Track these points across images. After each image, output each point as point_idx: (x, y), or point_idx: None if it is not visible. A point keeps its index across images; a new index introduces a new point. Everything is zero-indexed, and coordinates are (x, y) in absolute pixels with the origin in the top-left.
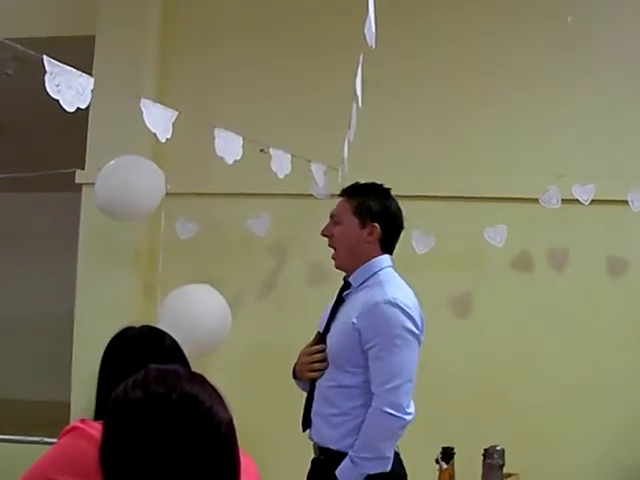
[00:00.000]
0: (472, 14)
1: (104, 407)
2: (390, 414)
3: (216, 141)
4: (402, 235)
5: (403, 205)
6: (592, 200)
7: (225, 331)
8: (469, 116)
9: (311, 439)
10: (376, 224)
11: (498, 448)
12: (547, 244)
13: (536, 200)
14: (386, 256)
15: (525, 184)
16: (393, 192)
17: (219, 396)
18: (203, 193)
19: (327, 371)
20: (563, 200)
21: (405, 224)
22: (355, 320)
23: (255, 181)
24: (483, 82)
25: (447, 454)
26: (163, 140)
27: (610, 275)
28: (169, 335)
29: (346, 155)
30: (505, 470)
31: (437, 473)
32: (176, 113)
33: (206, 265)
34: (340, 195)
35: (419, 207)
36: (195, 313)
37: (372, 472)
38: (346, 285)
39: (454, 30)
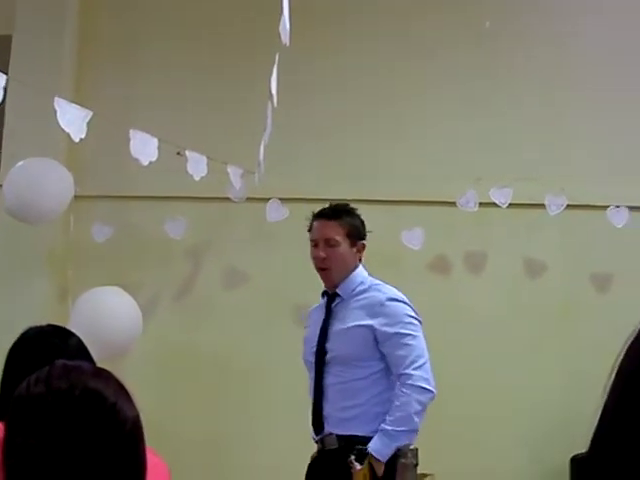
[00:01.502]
0: (386, 16)
1: (7, 406)
2: (424, 388)
3: (131, 142)
4: None
5: (317, 209)
6: (509, 203)
7: (136, 334)
8: (387, 119)
9: (320, 440)
10: (363, 242)
11: (412, 447)
12: (464, 247)
13: (453, 203)
14: (362, 266)
15: (442, 187)
16: (310, 195)
17: (125, 392)
18: (119, 196)
19: (335, 370)
20: (480, 203)
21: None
22: (364, 322)
23: (171, 184)
24: (399, 85)
25: (361, 454)
26: (77, 140)
27: (527, 277)
28: (75, 335)
29: (262, 158)
30: (420, 470)
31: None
32: (90, 113)
33: (122, 269)
34: (324, 218)
35: None
36: (105, 316)
37: (403, 444)
38: (331, 298)
39: (371, 33)
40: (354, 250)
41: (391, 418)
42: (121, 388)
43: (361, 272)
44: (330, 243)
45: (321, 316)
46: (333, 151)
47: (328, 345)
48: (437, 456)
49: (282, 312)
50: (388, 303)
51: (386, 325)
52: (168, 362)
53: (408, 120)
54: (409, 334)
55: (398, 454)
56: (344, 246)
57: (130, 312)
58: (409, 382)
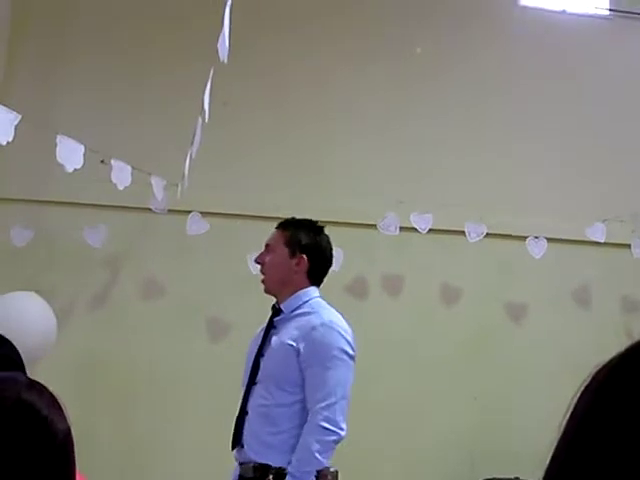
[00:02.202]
0: (317, 34)
1: None
2: (326, 428)
3: (57, 148)
4: (238, 256)
5: (243, 225)
6: (429, 229)
7: (50, 340)
8: (312, 139)
9: (242, 462)
10: (304, 256)
11: (332, 469)
12: (383, 270)
13: (374, 226)
14: (314, 288)
15: (364, 210)
16: (231, 210)
17: (58, 406)
18: (40, 200)
19: (263, 391)
20: (401, 228)
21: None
22: (294, 342)
23: (94, 191)
24: (326, 104)
25: (279, 475)
26: (4, 143)
27: (443, 303)
28: (7, 341)
29: (187, 171)
30: None
31: None
32: (19, 116)
33: (38, 273)
34: (276, 227)
35: (258, 227)
36: (18, 320)
37: None
38: (276, 312)
39: (305, 55)
40: (293, 262)
41: (295, 459)
42: (54, 401)
43: (309, 292)
44: (267, 249)
45: (263, 331)
46: (256, 167)
47: (262, 361)
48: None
49: (198, 326)
50: (320, 329)
51: (309, 352)
52: (82, 370)
53: (333, 140)
54: (328, 368)
55: (317, 476)
56: (279, 254)
57: (44, 317)
58: (313, 420)
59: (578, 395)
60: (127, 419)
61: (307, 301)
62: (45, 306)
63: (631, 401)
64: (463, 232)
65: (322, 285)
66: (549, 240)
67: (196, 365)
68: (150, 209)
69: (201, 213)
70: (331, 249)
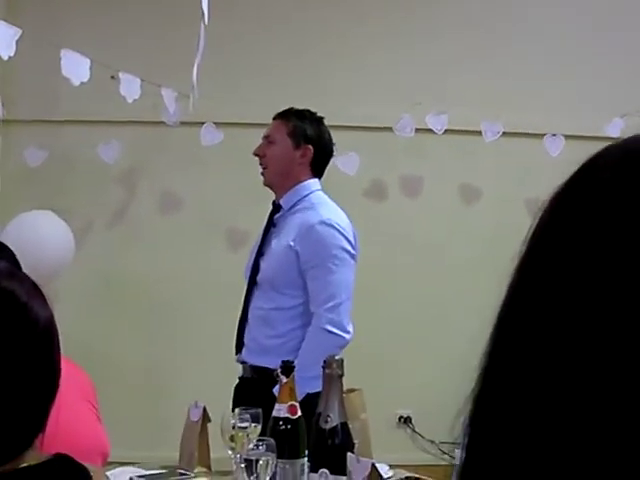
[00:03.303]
0: None
1: None
2: (331, 332)
3: (62, 62)
4: (254, 165)
5: (253, 134)
6: (445, 130)
7: (68, 258)
8: (323, 42)
9: (242, 362)
10: (310, 146)
11: (337, 358)
12: (400, 172)
13: (390, 129)
14: (315, 180)
15: (379, 112)
16: (245, 120)
17: (40, 293)
18: (51, 120)
19: (262, 294)
20: (417, 129)
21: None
22: (292, 242)
23: (105, 108)
24: (341, 6)
25: (287, 368)
26: (5, 58)
27: (463, 203)
28: (7, 248)
29: (195, 80)
30: (347, 386)
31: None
32: (20, 31)
33: (54, 193)
34: (274, 118)
35: None
36: (36, 239)
37: (312, 391)
38: (276, 208)
39: None
40: (297, 153)
41: (300, 362)
42: (36, 289)
43: (310, 185)
44: (268, 140)
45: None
46: (269, 74)
47: (262, 262)
48: (362, 368)
49: (216, 237)
50: (318, 228)
51: (308, 253)
52: (100, 288)
53: (348, 44)
54: (329, 268)
55: (322, 365)
56: (283, 145)
57: (62, 236)
58: (316, 323)
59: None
60: (147, 334)
61: (306, 195)
62: (61, 224)
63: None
64: (479, 132)
65: (339, 190)
66: (566, 137)
67: (217, 275)
68: (163, 122)
69: (214, 124)
70: (332, 140)
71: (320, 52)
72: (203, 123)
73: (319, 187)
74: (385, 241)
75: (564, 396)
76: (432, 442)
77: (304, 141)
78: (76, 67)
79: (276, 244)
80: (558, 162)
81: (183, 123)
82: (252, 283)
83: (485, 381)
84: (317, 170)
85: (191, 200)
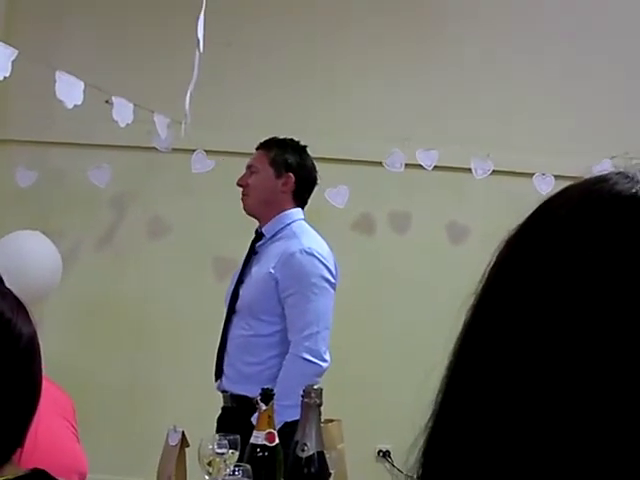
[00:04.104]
0: None
1: None
2: (308, 360)
3: (56, 84)
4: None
5: (243, 163)
6: (435, 166)
7: (55, 279)
8: (316, 74)
9: (222, 390)
10: (291, 174)
11: (316, 387)
12: (389, 207)
13: (380, 163)
14: (298, 209)
15: (369, 147)
16: (235, 149)
17: (23, 309)
18: (43, 142)
19: (241, 321)
20: (407, 165)
21: (318, 181)
22: (272, 270)
23: (97, 132)
24: (333, 41)
25: (266, 395)
26: (0, 78)
27: (450, 241)
28: None
29: (188, 107)
30: (327, 416)
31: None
32: (16, 52)
33: (44, 215)
34: (257, 148)
35: None
36: (24, 259)
37: (290, 419)
38: (258, 236)
39: None
40: (279, 182)
41: (277, 390)
42: (19, 305)
43: (292, 214)
44: (251, 169)
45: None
46: (261, 105)
47: (242, 289)
48: (344, 399)
49: (202, 264)
50: (298, 256)
51: (288, 280)
52: (86, 310)
53: (339, 78)
54: (308, 296)
55: (301, 394)
56: (264, 174)
57: (49, 257)
58: (293, 351)
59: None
60: (131, 358)
61: (289, 224)
62: (49, 245)
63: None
64: (469, 169)
65: (328, 222)
66: (556, 177)
67: (202, 302)
68: (154, 148)
69: (205, 151)
70: (315, 169)
71: (313, 85)
72: (194, 150)
73: (302, 216)
74: (371, 275)
75: (512, 436)
76: (411, 477)
77: (285, 170)
78: (70, 90)
79: (256, 271)
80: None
81: (174, 150)
82: (231, 310)
83: (437, 418)
84: (300, 199)
85: (179, 226)
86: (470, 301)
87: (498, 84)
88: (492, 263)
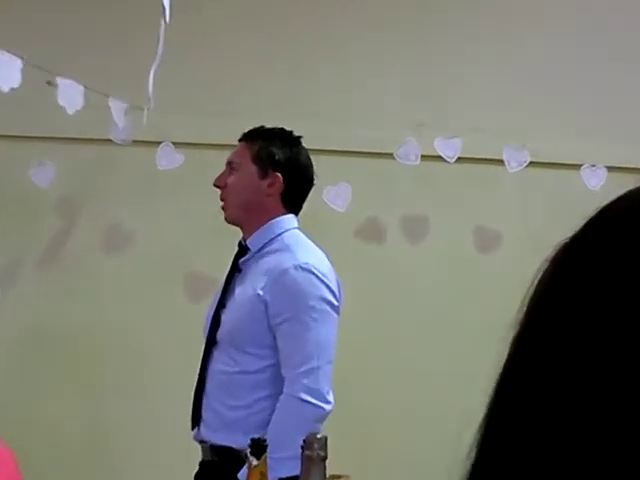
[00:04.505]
0: None
1: None
2: (307, 402)
3: None
4: None
5: (222, 157)
6: (458, 157)
7: None
8: (310, 51)
9: (200, 440)
10: (278, 174)
11: (319, 437)
12: (402, 209)
13: (390, 155)
14: (291, 216)
15: (376, 136)
16: (210, 140)
17: None
18: None
19: (223, 354)
20: (423, 156)
21: (315, 180)
22: (260, 291)
23: (38, 121)
24: (326, 15)
25: (258, 447)
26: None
27: (478, 250)
28: None
29: (152, 90)
30: (332, 472)
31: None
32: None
33: None
34: (239, 140)
35: None
36: None
37: (285, 475)
38: (242, 250)
39: None
40: (264, 183)
41: (268, 440)
42: None
43: (283, 223)
44: (231, 166)
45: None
46: (243, 86)
47: (223, 315)
48: (353, 450)
49: (173, 282)
50: (292, 273)
51: (280, 303)
52: (29, 341)
53: (339, 53)
54: (305, 322)
55: (301, 445)
56: (246, 173)
57: None
58: (289, 391)
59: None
60: (87, 399)
61: (279, 234)
62: None
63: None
64: (501, 160)
65: (326, 230)
66: (609, 169)
67: (174, 330)
68: (110, 140)
69: (174, 144)
70: (312, 165)
71: (307, 62)
72: (160, 143)
73: (295, 224)
74: (380, 294)
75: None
76: None
77: (272, 167)
78: (4, 70)
79: (240, 293)
80: (599, 198)
81: (135, 142)
82: (211, 341)
83: (481, 454)
84: (292, 203)
85: (143, 236)
86: (510, 331)
87: (535, 57)
88: (536, 286)
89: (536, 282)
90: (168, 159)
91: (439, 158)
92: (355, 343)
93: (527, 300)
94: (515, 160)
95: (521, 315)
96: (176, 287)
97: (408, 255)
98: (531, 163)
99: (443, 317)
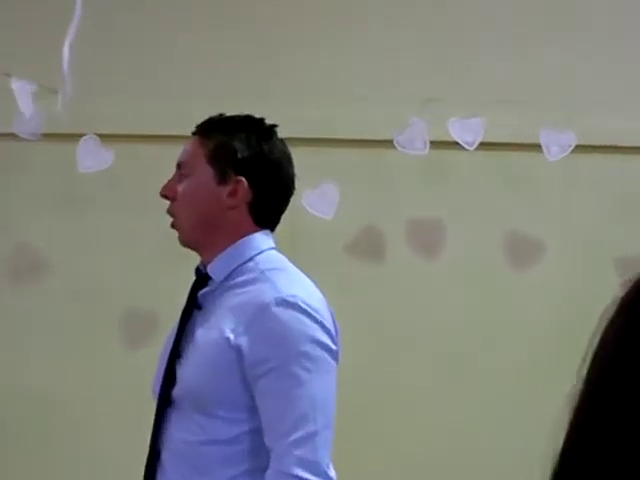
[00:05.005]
0: None
1: None
2: (302, 479)
3: None
4: (165, 205)
5: (167, 155)
6: (480, 143)
7: None
8: (281, 11)
9: None
10: (242, 178)
11: None
12: (406, 214)
13: (389, 142)
14: (265, 233)
15: (370, 117)
16: (150, 131)
17: None
18: None
19: (183, 419)
20: (433, 143)
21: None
22: (230, 334)
23: None
24: None
25: None
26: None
27: (512, 266)
28: None
29: (67, 68)
30: None
31: None
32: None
33: None
34: (193, 133)
35: None
36: None
37: None
38: (202, 280)
39: None
40: (224, 190)
41: None
42: None
43: (254, 242)
44: (181, 170)
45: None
46: (189, 62)
47: (180, 367)
48: None
49: (103, 322)
50: (275, 310)
51: (260, 351)
52: None
53: (319, 11)
54: (295, 374)
55: None
56: (200, 178)
57: None
58: (278, 467)
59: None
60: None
61: (252, 258)
62: None
63: None
64: (538, 145)
65: (307, 244)
66: None
67: (106, 384)
68: (13, 134)
69: (100, 136)
70: (291, 164)
71: (278, 24)
72: (81, 135)
73: (271, 244)
74: (380, 328)
75: None
76: None
77: (233, 169)
78: None
79: (203, 337)
80: None
81: (48, 136)
82: (165, 402)
83: None
84: (264, 216)
85: (61, 262)
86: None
87: (582, 10)
88: (607, 337)
89: (606, 331)
90: (93, 158)
91: (455, 145)
92: (352, 395)
93: (595, 352)
94: (557, 144)
95: (588, 369)
96: (109, 329)
97: (417, 275)
98: (578, 147)
99: (466, 359)
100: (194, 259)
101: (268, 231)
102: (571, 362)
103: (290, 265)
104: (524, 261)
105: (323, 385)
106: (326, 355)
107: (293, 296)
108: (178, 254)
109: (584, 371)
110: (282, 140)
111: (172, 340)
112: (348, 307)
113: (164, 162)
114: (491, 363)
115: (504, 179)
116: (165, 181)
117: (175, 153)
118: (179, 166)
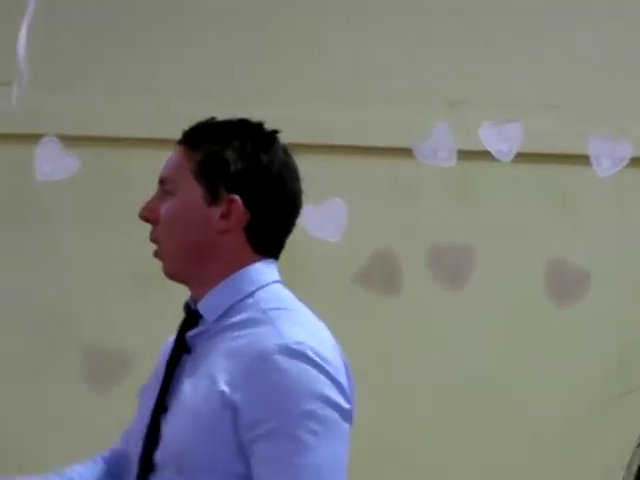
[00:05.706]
0: None
1: None
2: None
3: None
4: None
5: (145, 161)
6: (518, 154)
7: None
8: (290, 16)
9: None
10: (235, 196)
11: None
12: (427, 237)
13: (407, 151)
14: (267, 263)
15: (386, 120)
16: (122, 133)
17: None
18: None
19: None
20: (460, 152)
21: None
22: (225, 387)
23: None
24: None
25: None
26: None
27: (554, 299)
28: None
29: (23, 59)
30: None
31: None
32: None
33: None
34: (178, 142)
35: None
36: None
37: None
38: (192, 318)
39: None
40: (215, 211)
41: None
42: None
43: (255, 275)
44: (164, 187)
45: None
46: (162, 56)
47: (165, 423)
48: None
49: (68, 360)
50: (277, 359)
51: (257, 407)
52: None
53: (333, 18)
54: (299, 439)
55: None
56: (187, 196)
57: None
58: None
59: None
60: None
61: (251, 294)
62: None
63: None
64: (586, 157)
65: (310, 271)
66: None
67: (71, 434)
68: None
69: (62, 138)
70: (297, 178)
71: (276, 14)
72: (40, 137)
73: (275, 276)
74: (397, 371)
75: None
76: None
77: (225, 186)
78: None
79: (192, 388)
80: None
81: (3, 135)
82: (146, 465)
83: None
84: (265, 242)
85: (15, 291)
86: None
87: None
88: None
89: None
90: (54, 164)
91: (487, 155)
92: (365, 450)
93: None
94: (608, 156)
95: None
96: (70, 368)
97: (440, 311)
98: (633, 160)
99: (498, 413)
100: (173, 285)
101: (271, 260)
102: (627, 414)
103: (298, 304)
104: (567, 294)
105: (332, 452)
106: (337, 416)
107: (300, 343)
108: (154, 278)
109: None
110: (285, 149)
111: (154, 391)
112: (357, 349)
113: (137, 170)
114: (528, 418)
115: (546, 197)
116: (142, 195)
117: (151, 159)
118: (162, 182)
